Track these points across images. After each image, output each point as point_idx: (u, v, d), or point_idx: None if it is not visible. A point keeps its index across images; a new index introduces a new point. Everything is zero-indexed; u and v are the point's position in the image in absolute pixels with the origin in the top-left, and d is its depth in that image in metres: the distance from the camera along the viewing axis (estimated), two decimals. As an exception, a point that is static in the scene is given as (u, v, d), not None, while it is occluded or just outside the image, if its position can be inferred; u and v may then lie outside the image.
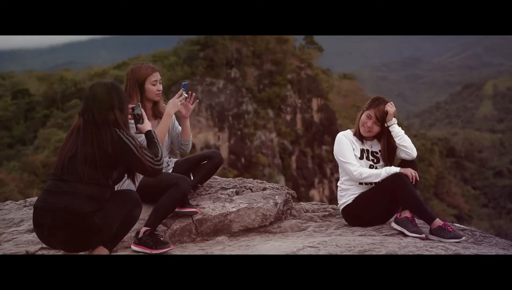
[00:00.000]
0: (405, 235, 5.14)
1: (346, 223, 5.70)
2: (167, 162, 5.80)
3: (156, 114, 5.72)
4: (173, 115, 5.71)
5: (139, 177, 4.88)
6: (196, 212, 5.58)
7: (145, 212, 5.32)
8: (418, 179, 5.33)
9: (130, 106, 4.81)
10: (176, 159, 5.93)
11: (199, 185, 6.07)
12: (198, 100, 5.86)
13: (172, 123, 5.82)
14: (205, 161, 5.96)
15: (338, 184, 5.74)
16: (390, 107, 5.49)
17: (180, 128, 5.86)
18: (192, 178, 5.80)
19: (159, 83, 5.60)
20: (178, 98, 5.56)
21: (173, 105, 5.55)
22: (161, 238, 5.19)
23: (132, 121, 4.84)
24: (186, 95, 5.60)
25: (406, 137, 5.50)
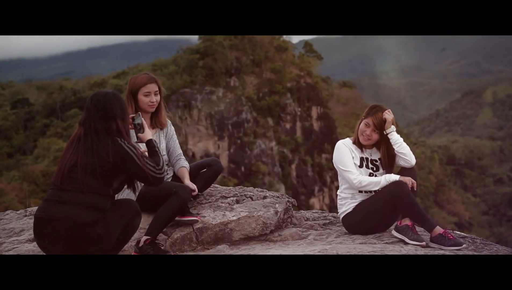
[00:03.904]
0: (406, 243, 5.14)
1: (347, 231, 5.70)
2: (167, 171, 5.79)
3: (155, 125, 5.72)
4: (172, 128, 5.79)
5: (139, 186, 4.89)
6: (196, 221, 5.57)
7: (145, 221, 5.32)
8: (415, 189, 5.32)
9: (131, 115, 4.82)
10: None
11: (199, 193, 6.07)
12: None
13: (170, 135, 5.81)
14: (205, 169, 5.96)
15: (338, 192, 5.74)
16: (388, 115, 5.50)
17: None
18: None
19: (154, 95, 5.56)
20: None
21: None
22: (162, 247, 5.19)
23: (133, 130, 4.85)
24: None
25: (404, 144, 5.50)
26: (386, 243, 5.21)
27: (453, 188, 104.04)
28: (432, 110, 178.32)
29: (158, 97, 5.60)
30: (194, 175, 5.91)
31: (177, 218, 5.49)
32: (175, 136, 5.87)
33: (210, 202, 6.04)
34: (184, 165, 5.75)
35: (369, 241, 5.32)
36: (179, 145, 5.89)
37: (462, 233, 5.78)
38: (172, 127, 5.87)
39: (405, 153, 5.48)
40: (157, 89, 5.58)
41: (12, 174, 55.12)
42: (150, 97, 5.52)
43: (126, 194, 5.08)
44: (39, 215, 4.36)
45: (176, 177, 5.80)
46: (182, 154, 5.87)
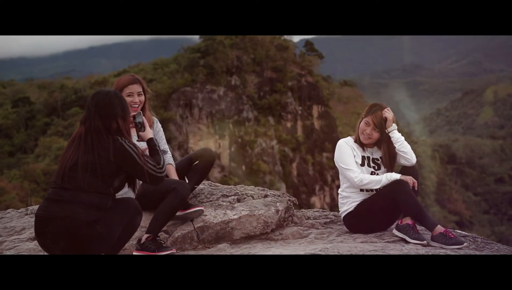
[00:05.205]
0: (407, 242, 5.14)
1: (348, 230, 5.70)
2: None
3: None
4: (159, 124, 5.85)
5: (138, 185, 4.89)
6: (202, 210, 5.59)
7: (146, 220, 5.32)
8: (416, 188, 5.32)
9: (132, 114, 4.82)
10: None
11: (196, 186, 6.07)
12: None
13: (156, 132, 5.82)
14: (197, 161, 5.96)
15: (339, 191, 5.74)
16: (388, 113, 5.50)
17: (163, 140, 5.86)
18: (187, 181, 5.79)
19: (138, 95, 5.54)
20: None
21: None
22: (163, 244, 5.19)
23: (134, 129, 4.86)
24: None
25: (406, 143, 5.51)
26: (387, 242, 5.21)
27: (454, 187, 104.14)
28: (433, 109, 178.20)
29: (142, 98, 5.59)
30: (187, 169, 5.91)
31: (181, 213, 5.50)
32: (161, 133, 5.87)
33: (211, 200, 6.05)
34: (170, 162, 5.74)
35: (370, 240, 5.32)
36: (165, 141, 5.88)
37: (463, 232, 5.78)
38: (159, 125, 5.89)
39: (406, 152, 5.49)
40: (141, 90, 5.57)
41: (13, 172, 55.13)
42: (133, 97, 5.52)
43: (124, 192, 5.08)
44: (40, 214, 4.36)
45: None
46: (168, 150, 5.86)
